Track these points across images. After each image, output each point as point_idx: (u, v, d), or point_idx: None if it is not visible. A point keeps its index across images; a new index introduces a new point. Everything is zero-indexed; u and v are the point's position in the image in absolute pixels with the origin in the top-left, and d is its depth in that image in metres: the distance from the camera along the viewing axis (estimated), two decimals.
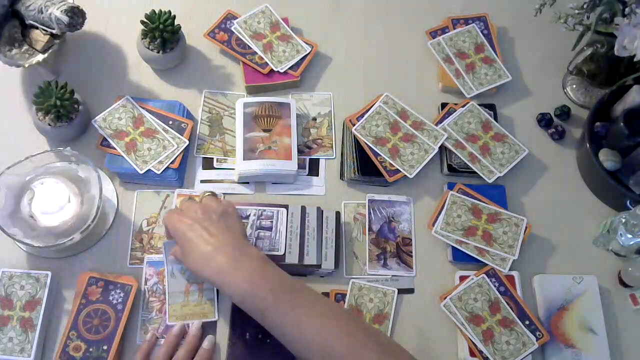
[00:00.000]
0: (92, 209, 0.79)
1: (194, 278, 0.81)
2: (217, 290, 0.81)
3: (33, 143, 0.90)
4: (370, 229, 0.87)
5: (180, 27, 0.93)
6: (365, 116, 0.92)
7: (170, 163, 0.87)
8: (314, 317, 0.67)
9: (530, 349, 0.78)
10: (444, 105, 0.95)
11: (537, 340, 0.78)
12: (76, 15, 0.85)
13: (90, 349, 0.77)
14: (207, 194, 0.80)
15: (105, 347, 0.77)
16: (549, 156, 0.93)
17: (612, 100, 0.89)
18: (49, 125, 0.87)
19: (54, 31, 0.86)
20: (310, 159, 0.92)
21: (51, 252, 0.83)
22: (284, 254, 0.81)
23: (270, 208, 0.84)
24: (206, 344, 0.78)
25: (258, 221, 0.83)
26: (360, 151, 0.90)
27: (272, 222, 0.83)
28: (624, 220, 0.81)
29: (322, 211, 0.85)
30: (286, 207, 0.84)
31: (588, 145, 0.86)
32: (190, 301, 0.80)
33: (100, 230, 0.85)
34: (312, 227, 0.83)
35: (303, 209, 0.84)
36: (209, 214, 0.75)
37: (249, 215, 0.84)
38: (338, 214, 0.86)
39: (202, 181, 0.89)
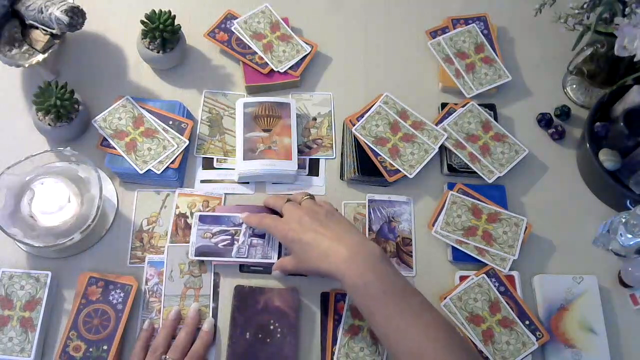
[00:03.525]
0: (92, 209, 0.80)
1: (191, 283, 0.82)
2: (214, 294, 0.82)
3: (33, 143, 0.90)
4: (370, 229, 0.87)
5: (180, 27, 0.93)
6: (365, 116, 0.92)
7: (170, 163, 0.87)
8: (419, 326, 0.68)
9: (530, 349, 0.78)
10: (444, 105, 0.95)
11: (537, 340, 0.78)
12: (76, 15, 0.85)
13: (90, 349, 0.77)
14: (305, 197, 0.81)
15: (105, 347, 0.77)
16: (549, 156, 0.93)
17: (612, 100, 0.89)
18: (49, 125, 0.87)
19: (54, 31, 0.86)
20: (310, 159, 0.92)
21: (51, 252, 0.83)
22: (279, 257, 0.81)
23: None
24: (206, 326, 0.79)
25: (251, 229, 0.83)
26: (360, 151, 0.90)
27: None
28: (624, 220, 0.81)
29: None
30: None
31: (588, 145, 0.86)
32: (185, 305, 0.80)
33: (100, 230, 0.85)
34: None
35: None
36: (316, 216, 0.77)
37: (242, 222, 0.84)
38: None
39: (202, 181, 0.89)
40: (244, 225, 0.83)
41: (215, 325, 0.80)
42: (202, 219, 0.84)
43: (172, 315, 0.79)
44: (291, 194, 0.85)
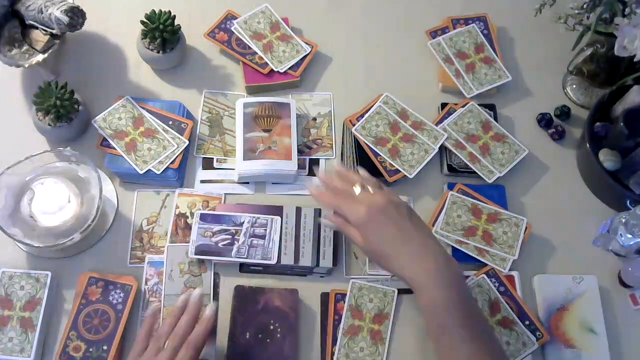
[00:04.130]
0: (92, 209, 0.80)
1: (191, 282, 0.81)
2: (214, 294, 0.82)
3: (33, 143, 0.90)
4: None
5: (180, 27, 0.93)
6: (365, 116, 0.92)
7: (170, 163, 0.87)
8: (487, 355, 0.67)
9: (530, 349, 0.78)
10: (444, 105, 0.95)
11: (537, 340, 0.78)
12: (76, 15, 0.85)
13: (90, 349, 0.77)
14: (377, 187, 0.75)
15: (105, 347, 0.77)
16: (549, 156, 0.93)
17: (612, 100, 0.89)
18: (49, 125, 0.87)
19: (54, 31, 0.86)
20: (310, 159, 0.92)
21: (51, 252, 0.83)
22: (279, 258, 0.81)
23: (265, 216, 0.84)
24: (208, 311, 0.75)
25: (252, 229, 0.83)
26: (360, 151, 0.90)
27: (265, 230, 0.83)
28: (624, 220, 0.80)
29: (320, 211, 0.85)
30: (281, 208, 0.84)
31: (588, 145, 0.86)
32: None
33: (100, 230, 0.85)
34: (308, 228, 0.83)
35: (298, 210, 0.84)
36: (399, 209, 0.73)
37: (243, 222, 0.84)
38: None
39: (202, 181, 0.89)
40: (244, 225, 0.83)
41: (216, 312, 0.77)
42: (203, 218, 0.84)
43: (179, 303, 0.75)
44: (360, 174, 0.79)
